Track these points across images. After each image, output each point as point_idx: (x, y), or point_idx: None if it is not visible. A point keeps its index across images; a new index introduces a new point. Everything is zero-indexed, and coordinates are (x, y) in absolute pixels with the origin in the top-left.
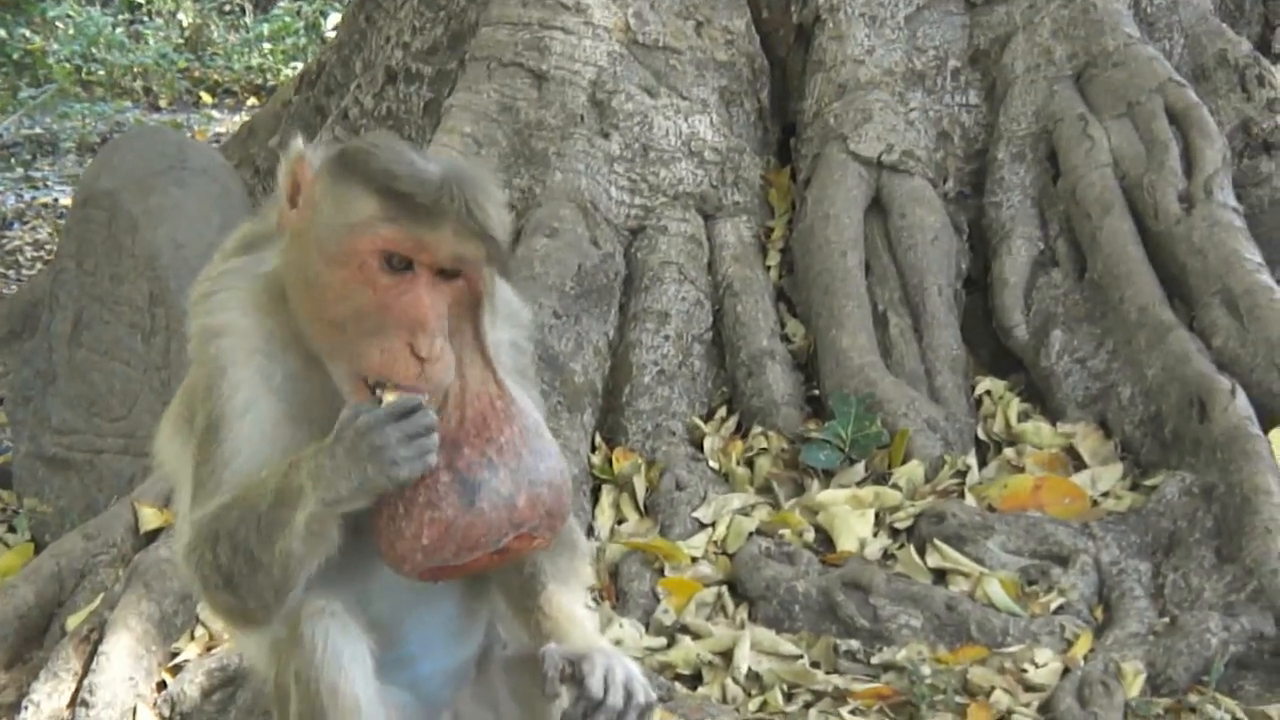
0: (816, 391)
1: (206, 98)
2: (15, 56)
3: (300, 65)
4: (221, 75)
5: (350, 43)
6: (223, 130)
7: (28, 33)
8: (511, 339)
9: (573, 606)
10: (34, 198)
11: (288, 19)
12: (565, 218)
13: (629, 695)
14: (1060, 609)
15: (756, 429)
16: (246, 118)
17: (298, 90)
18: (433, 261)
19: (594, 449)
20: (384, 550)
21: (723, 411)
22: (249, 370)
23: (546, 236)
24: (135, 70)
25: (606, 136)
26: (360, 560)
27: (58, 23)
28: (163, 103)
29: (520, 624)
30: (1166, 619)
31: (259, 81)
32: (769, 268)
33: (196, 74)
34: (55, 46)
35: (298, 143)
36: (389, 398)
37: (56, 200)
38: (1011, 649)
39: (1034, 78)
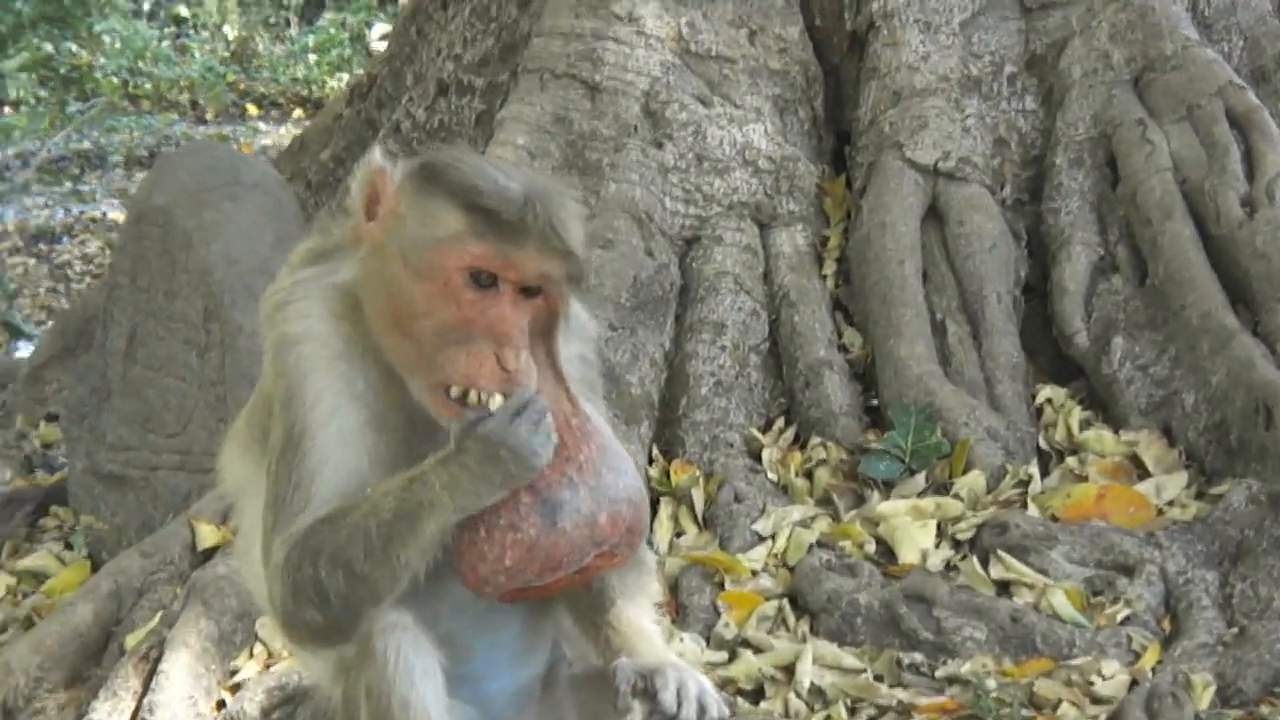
0: (875, 401)
1: (252, 110)
2: (62, 71)
3: (345, 77)
4: (267, 87)
5: (401, 55)
6: (269, 142)
7: (74, 47)
8: (580, 353)
9: (642, 621)
10: (82, 211)
11: (332, 30)
12: (620, 229)
13: (702, 710)
14: (1127, 620)
15: (815, 440)
16: (293, 129)
17: (349, 103)
18: (519, 278)
19: (651, 461)
20: (465, 573)
21: (780, 422)
22: (331, 377)
23: (601, 248)
24: (181, 84)
25: (660, 146)
26: (430, 578)
27: (104, 37)
28: (209, 115)
29: (588, 640)
30: (1235, 629)
31: (304, 93)
32: (825, 277)
33: (242, 86)
34: (102, 61)
35: (375, 154)
36: (496, 402)
37: (105, 214)
38: (1078, 661)
39: (1091, 82)
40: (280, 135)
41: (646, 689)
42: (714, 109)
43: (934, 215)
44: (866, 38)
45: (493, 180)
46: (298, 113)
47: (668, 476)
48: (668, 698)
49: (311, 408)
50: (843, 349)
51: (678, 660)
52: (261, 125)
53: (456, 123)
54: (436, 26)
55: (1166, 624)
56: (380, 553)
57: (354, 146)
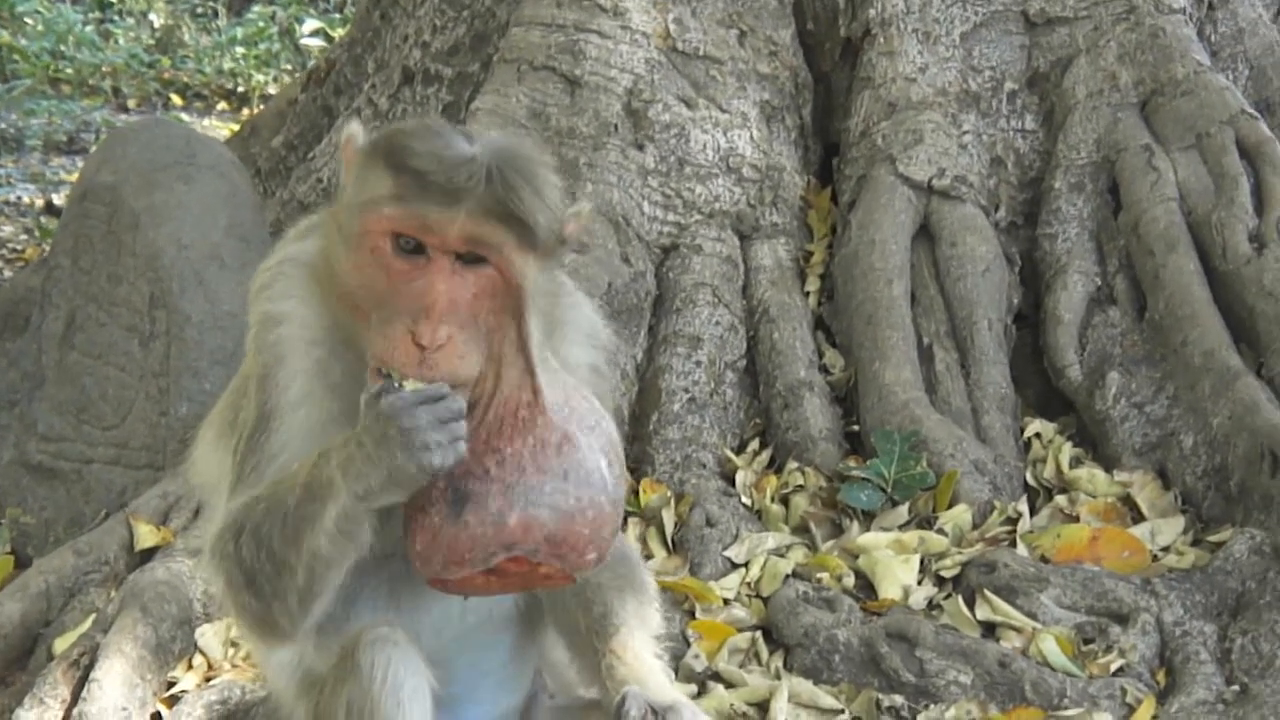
0: (856, 427)
1: (177, 100)
2: None
3: (274, 72)
4: (192, 78)
5: (363, 40)
6: None
7: None
8: (591, 362)
9: (646, 654)
10: None
11: (261, 24)
12: (595, 233)
13: None
14: (1120, 671)
15: (792, 464)
16: (217, 122)
17: (304, 89)
18: (443, 243)
19: None
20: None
21: (755, 444)
22: (308, 362)
23: (575, 251)
24: (104, 70)
25: (641, 148)
26: (410, 590)
27: (26, 19)
28: (131, 103)
29: (583, 667)
30: (1236, 687)
31: (230, 86)
32: (807, 293)
33: (167, 76)
34: (24, 42)
35: (353, 124)
36: (409, 385)
37: (20, 198)
38: (1070, 712)
39: (1096, 104)
40: (204, 127)
41: None
42: (698, 111)
43: (925, 234)
44: (861, 45)
45: (435, 142)
46: (222, 105)
47: (636, 495)
48: None
49: (284, 390)
50: (824, 370)
51: (690, 702)
52: (185, 116)
53: (421, 113)
54: (403, 12)
55: (1161, 677)
56: (293, 537)
57: (307, 133)
